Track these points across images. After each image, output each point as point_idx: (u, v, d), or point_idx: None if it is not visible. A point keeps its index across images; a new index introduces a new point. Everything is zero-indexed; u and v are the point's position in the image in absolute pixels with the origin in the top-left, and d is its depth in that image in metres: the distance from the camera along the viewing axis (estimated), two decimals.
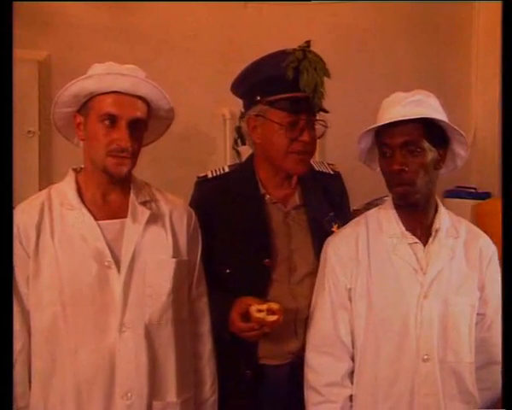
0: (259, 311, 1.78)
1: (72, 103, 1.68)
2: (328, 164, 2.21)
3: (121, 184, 1.72)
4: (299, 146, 1.94)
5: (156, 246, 1.73)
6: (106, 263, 1.66)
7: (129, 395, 1.64)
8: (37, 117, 2.93)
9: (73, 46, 2.99)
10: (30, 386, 1.68)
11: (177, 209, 1.81)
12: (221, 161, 3.21)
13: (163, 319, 1.70)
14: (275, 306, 1.78)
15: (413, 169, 1.76)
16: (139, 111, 1.66)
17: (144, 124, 1.70)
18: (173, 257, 1.74)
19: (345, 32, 3.46)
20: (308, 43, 1.96)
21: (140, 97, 1.66)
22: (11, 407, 1.52)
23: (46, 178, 2.94)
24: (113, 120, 1.63)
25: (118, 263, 1.67)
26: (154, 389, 1.69)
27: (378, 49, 3.58)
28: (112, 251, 1.67)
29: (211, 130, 3.29)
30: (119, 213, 1.71)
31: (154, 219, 1.74)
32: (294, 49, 1.95)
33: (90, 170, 1.71)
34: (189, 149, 3.14)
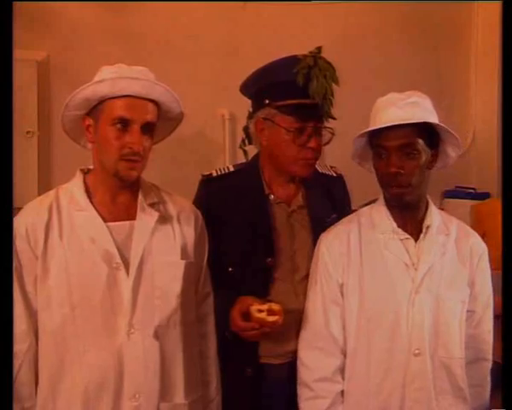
0: (260, 311, 1.77)
1: (82, 106, 1.67)
2: (331, 167, 2.22)
3: (130, 186, 1.71)
4: (307, 152, 1.95)
5: (165, 248, 1.72)
6: (114, 265, 1.65)
7: (137, 396, 1.64)
8: (36, 117, 2.93)
9: (72, 47, 2.99)
10: (36, 387, 1.67)
11: (184, 211, 1.80)
12: (220, 161, 3.22)
13: (171, 320, 1.69)
14: (275, 307, 1.78)
15: (409, 171, 1.77)
16: (151, 114, 1.65)
17: (155, 126, 1.69)
18: (182, 259, 1.74)
19: (344, 32, 3.46)
20: (319, 49, 1.96)
21: (151, 100, 1.65)
22: (11, 407, 1.52)
23: (45, 179, 2.95)
24: (125, 123, 1.62)
25: (126, 265, 1.66)
26: (162, 390, 1.68)
27: (377, 49, 3.58)
28: (121, 253, 1.66)
29: (210, 130, 3.29)
30: (128, 214, 1.70)
31: (163, 221, 1.74)
32: (305, 55, 1.94)
33: (100, 172, 1.70)
34: (189, 149, 3.14)
